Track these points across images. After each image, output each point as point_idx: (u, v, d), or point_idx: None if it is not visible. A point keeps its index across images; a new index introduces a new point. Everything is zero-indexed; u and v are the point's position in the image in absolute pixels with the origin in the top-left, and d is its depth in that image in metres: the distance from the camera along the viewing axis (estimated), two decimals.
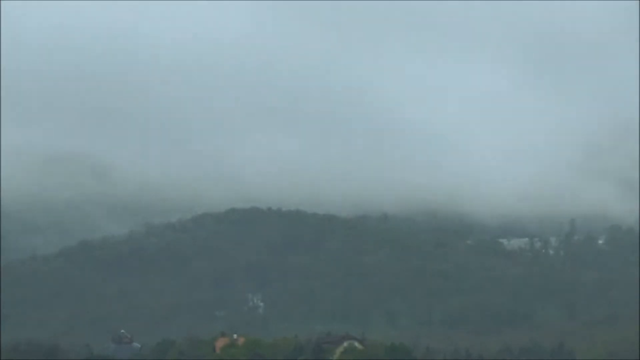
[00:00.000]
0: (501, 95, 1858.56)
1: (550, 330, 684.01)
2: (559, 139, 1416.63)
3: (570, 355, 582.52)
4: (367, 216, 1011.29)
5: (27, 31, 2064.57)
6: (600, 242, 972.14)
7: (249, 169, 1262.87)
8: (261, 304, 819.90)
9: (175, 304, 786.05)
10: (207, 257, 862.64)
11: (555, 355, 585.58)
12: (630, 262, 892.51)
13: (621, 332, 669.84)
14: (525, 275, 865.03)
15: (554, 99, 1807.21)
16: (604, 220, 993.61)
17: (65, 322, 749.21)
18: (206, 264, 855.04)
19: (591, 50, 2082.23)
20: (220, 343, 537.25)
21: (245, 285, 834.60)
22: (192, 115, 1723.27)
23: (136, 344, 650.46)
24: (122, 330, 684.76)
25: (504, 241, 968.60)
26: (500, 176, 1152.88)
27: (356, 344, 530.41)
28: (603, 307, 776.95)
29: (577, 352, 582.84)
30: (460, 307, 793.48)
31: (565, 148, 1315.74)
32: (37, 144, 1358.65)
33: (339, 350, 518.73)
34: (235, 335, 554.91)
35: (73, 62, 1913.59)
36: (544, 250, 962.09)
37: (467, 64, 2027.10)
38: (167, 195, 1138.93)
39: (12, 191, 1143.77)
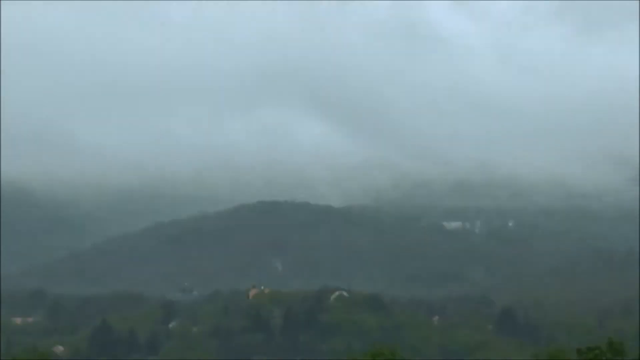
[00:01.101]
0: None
1: (476, 285, 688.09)
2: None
3: (490, 303, 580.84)
4: (353, 206, 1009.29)
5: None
6: (510, 224, 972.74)
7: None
8: (280, 267, 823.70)
9: (223, 267, 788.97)
10: (244, 236, 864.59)
11: (480, 302, 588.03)
12: (535, 237, 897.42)
13: (527, 286, 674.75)
14: (459, 247, 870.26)
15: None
16: (514, 208, 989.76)
17: (147, 278, 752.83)
18: (244, 240, 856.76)
19: None
20: (252, 293, 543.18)
21: (269, 254, 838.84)
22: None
23: (195, 293, 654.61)
24: (186, 284, 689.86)
25: (446, 223, 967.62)
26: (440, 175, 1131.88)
27: (345, 293, 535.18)
28: (512, 268, 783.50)
29: (496, 301, 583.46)
30: (415, 269, 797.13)
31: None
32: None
33: (333, 297, 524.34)
34: (262, 287, 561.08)
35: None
36: (471, 230, 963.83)
37: None
38: (211, 189, 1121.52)
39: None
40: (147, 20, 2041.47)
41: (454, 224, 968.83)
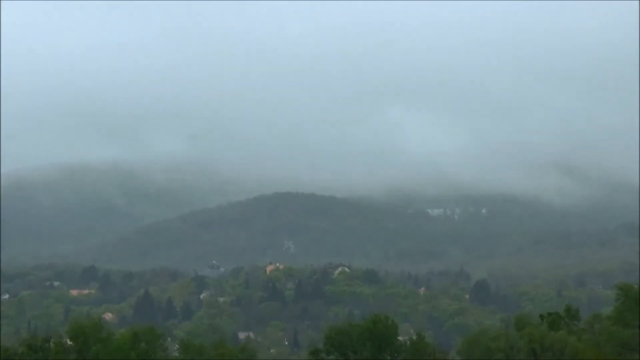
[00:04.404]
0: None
1: (455, 261, 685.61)
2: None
3: (467, 276, 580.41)
4: (353, 196, 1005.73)
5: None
6: (483, 211, 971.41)
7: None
8: (292, 247, 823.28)
9: (244, 247, 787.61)
10: (262, 221, 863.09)
11: (458, 276, 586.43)
12: (504, 222, 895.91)
13: (497, 262, 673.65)
14: (441, 230, 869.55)
15: None
16: (487, 197, 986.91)
17: (182, 257, 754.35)
18: (262, 225, 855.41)
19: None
20: (269, 268, 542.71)
21: (283, 237, 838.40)
22: None
23: (222, 269, 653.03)
24: (214, 261, 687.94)
25: (429, 210, 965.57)
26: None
27: (346, 269, 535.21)
28: (485, 248, 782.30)
29: (471, 275, 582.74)
30: (405, 249, 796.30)
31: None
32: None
33: (336, 272, 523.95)
34: (277, 264, 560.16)
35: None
36: (451, 216, 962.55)
37: None
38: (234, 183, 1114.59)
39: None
40: None
41: (436, 211, 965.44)
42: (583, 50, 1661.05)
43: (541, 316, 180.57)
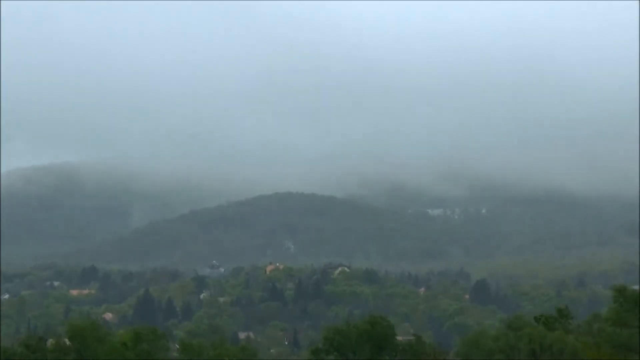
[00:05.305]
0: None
1: (455, 261, 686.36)
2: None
3: (467, 276, 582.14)
4: (353, 196, 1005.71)
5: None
6: (483, 211, 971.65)
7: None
8: (292, 247, 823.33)
9: (245, 247, 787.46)
10: (262, 221, 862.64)
11: (458, 275, 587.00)
12: (504, 222, 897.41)
13: (497, 262, 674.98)
14: (441, 230, 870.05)
15: None
16: (487, 197, 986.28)
17: (182, 257, 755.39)
18: (262, 225, 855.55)
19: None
20: (269, 268, 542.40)
21: (283, 237, 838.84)
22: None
23: (221, 269, 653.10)
24: (214, 261, 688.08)
25: (429, 210, 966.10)
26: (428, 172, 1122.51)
27: (346, 269, 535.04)
28: (485, 247, 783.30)
29: (471, 275, 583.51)
30: (405, 248, 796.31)
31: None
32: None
33: (336, 272, 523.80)
34: (277, 264, 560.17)
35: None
36: (451, 216, 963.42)
37: None
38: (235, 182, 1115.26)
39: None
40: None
41: (436, 211, 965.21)
42: (582, 52, 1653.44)
43: (535, 318, 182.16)
